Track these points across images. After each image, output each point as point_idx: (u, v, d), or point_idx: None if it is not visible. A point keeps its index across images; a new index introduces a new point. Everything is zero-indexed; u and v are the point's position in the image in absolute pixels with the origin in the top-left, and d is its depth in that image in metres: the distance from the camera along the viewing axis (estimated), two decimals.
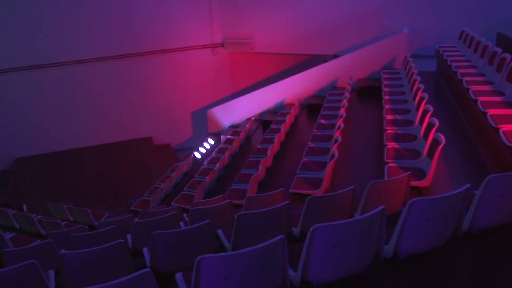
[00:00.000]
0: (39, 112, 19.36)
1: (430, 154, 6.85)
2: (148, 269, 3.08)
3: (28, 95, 19.05)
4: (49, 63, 18.81)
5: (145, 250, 5.56)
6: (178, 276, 3.94)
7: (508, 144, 6.39)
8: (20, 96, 18.96)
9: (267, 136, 12.37)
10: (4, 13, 17.92)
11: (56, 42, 18.71)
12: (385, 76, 13.12)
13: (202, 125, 17.99)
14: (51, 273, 5.25)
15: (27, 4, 17.96)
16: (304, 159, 8.97)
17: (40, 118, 19.43)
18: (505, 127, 6.88)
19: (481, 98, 8.30)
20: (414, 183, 6.53)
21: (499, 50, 10.00)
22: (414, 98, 9.83)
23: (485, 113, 7.66)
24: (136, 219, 8.56)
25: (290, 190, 7.74)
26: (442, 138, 6.47)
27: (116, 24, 19.41)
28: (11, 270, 4.36)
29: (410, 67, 11.90)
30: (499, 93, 8.63)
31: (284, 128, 11.95)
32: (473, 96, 8.61)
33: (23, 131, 19.31)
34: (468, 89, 9.06)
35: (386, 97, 10.82)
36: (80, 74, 19.48)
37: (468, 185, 3.88)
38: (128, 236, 6.79)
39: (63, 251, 5.89)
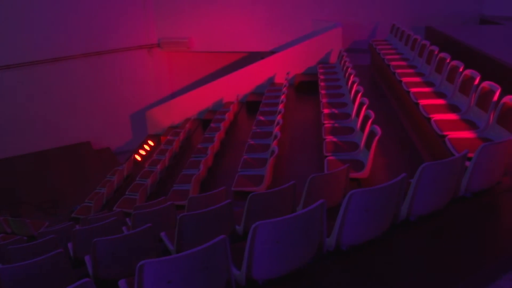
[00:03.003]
0: None
1: (368, 145, 7.02)
2: (88, 279, 3.00)
3: None
4: None
5: (87, 258, 5.41)
6: (121, 283, 3.87)
7: (439, 133, 6.63)
8: None
9: (207, 135, 12.33)
10: None
11: None
12: (321, 70, 13.33)
13: (141, 126, 17.74)
14: None
15: None
16: (245, 157, 8.99)
17: None
18: (436, 117, 7.13)
19: (413, 90, 8.57)
20: (354, 175, 6.68)
21: (428, 43, 10.37)
22: (350, 92, 10.04)
23: (417, 104, 7.91)
24: (77, 226, 8.34)
25: (232, 188, 7.74)
26: (378, 130, 6.65)
27: (47, 26, 18.78)
28: None
29: (345, 61, 12.14)
30: (430, 84, 8.94)
31: (223, 126, 11.93)
32: (405, 88, 8.88)
33: None
34: (401, 81, 9.33)
35: (323, 91, 10.99)
36: (8, 79, 18.73)
37: (403, 175, 3.99)
38: (69, 245, 6.60)
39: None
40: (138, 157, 15.42)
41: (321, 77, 12.53)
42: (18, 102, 19.08)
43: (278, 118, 9.78)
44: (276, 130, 9.02)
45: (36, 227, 10.66)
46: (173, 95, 19.42)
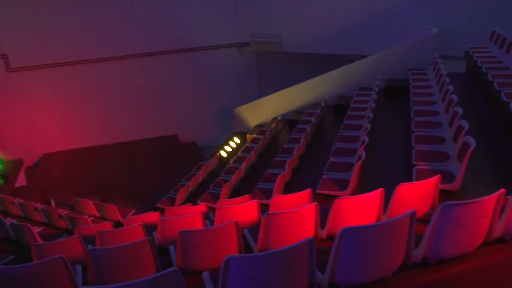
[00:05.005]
0: (66, 109, 19.67)
1: (460, 157, 6.74)
2: (176, 268, 3.09)
3: (56, 92, 19.37)
4: (76, 60, 19.09)
5: (171, 248, 5.59)
6: (205, 275, 3.95)
7: None
8: (47, 93, 19.29)
9: (293, 136, 12.32)
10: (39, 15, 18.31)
11: (83, 39, 18.97)
12: (413, 77, 12.96)
13: (228, 123, 18.05)
14: (79, 268, 5.32)
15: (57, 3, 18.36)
16: (332, 160, 8.92)
17: (67, 115, 19.74)
18: None
19: None
20: (443, 186, 6.43)
21: None
22: (442, 100, 9.70)
23: None
24: (162, 216, 8.61)
25: (317, 191, 7.69)
26: (472, 141, 6.36)
27: (142, 23, 19.59)
28: (40, 264, 4.43)
29: (439, 68, 11.73)
30: None
31: (310, 128, 11.89)
32: (504, 98, 8.45)
33: (51, 127, 19.64)
34: (500, 91, 8.89)
35: (414, 99, 10.69)
36: (108, 71, 19.71)
37: (502, 190, 3.80)
38: (154, 234, 6.83)
39: (90, 247, 5.96)
40: (223, 153, 15.69)
41: (413, 83, 12.18)
42: (112, 93, 20.05)
43: (366, 123, 9.62)
44: (364, 135, 8.87)
45: (123, 214, 11.12)
46: (261, 94, 19.61)
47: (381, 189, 5.19)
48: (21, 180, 17.22)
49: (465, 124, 7.14)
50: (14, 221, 9.43)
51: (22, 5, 18.10)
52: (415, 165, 7.29)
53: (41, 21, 18.40)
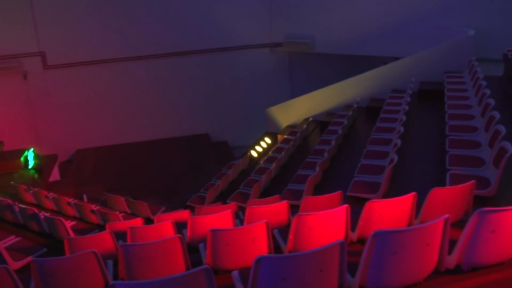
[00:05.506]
0: (100, 106, 19.98)
1: (496, 162, 6.59)
2: (206, 266, 3.10)
3: (90, 89, 19.70)
4: (110, 58, 19.39)
5: (201, 246, 5.61)
6: (235, 274, 3.96)
7: None
8: (82, 90, 19.63)
9: (324, 138, 12.26)
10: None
11: (117, 38, 19.25)
12: (448, 80, 12.73)
13: (259, 123, 18.06)
14: (110, 262, 5.39)
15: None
16: (363, 162, 8.83)
17: (101, 111, 20.04)
18: None
19: None
20: (478, 192, 6.29)
21: None
22: (478, 104, 9.50)
23: None
24: (192, 214, 8.67)
25: (348, 193, 7.63)
26: (510, 146, 6.21)
27: (174, 22, 19.77)
28: (72, 257, 4.51)
29: (475, 71, 11.50)
30: None
31: (342, 130, 11.81)
32: None
33: (85, 123, 19.98)
34: None
35: (449, 102, 10.51)
36: (141, 70, 19.96)
37: None
38: (184, 231, 6.87)
39: (121, 242, 6.04)
40: (254, 153, 15.71)
41: (448, 86, 11.97)
42: (145, 91, 20.31)
43: (399, 126, 9.50)
44: (396, 137, 8.77)
45: (153, 211, 11.23)
46: (292, 95, 19.57)
47: (414, 193, 5.11)
48: (55, 175, 17.55)
49: (502, 129, 6.98)
50: (48, 214, 9.61)
51: (60, 4, 18.48)
52: (449, 169, 7.16)
53: (77, 19, 18.77)
